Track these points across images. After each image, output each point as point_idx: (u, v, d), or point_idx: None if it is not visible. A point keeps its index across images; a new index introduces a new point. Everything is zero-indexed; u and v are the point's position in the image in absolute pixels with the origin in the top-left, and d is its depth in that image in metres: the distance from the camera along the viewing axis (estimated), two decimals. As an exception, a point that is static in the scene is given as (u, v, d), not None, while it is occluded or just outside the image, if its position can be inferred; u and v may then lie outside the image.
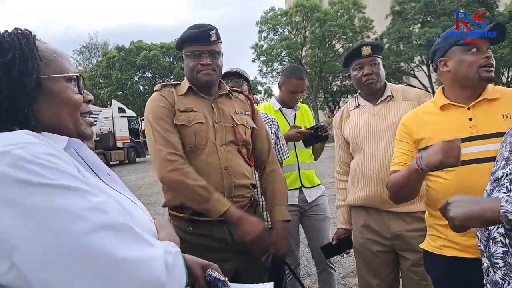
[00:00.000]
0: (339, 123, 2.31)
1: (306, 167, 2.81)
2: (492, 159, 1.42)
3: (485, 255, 1.19)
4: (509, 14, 23.43)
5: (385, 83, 2.17)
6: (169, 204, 1.84)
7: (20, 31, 0.81)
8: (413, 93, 2.12)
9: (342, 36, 30.64)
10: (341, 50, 31.53)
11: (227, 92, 1.94)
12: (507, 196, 1.07)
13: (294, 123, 2.82)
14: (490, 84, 1.59)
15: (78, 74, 0.86)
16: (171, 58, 34.48)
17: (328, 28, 29.60)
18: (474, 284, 1.49)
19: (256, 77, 32.92)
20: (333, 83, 34.60)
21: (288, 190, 2.66)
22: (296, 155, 2.76)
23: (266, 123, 2.37)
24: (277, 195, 1.93)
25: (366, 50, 2.10)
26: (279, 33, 32.77)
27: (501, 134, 1.38)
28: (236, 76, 2.47)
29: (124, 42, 38.95)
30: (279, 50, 31.45)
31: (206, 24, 1.83)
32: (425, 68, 29.12)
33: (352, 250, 2.35)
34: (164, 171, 1.70)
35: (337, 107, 33.49)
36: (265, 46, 32.24)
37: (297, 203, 2.73)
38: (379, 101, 2.13)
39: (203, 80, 1.81)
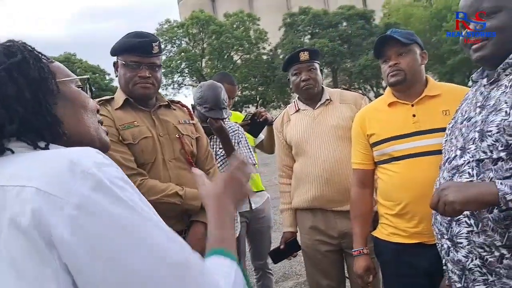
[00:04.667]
0: (280, 127, 2.34)
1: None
2: (433, 152, 1.55)
3: (446, 237, 1.28)
4: (384, 27, 26.37)
5: (322, 88, 2.25)
6: None
7: (17, 40, 0.75)
8: (350, 96, 2.23)
9: (240, 48, 31.42)
10: (239, 61, 32.27)
11: (167, 103, 1.84)
12: (469, 178, 1.18)
13: None
14: (432, 80, 1.74)
15: (88, 77, 0.79)
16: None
17: (225, 40, 30.12)
18: (417, 268, 1.63)
19: (156, 90, 31.99)
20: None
21: None
22: None
23: (231, 132, 2.33)
24: None
25: (303, 56, 2.16)
26: (176, 45, 32.44)
27: (441, 130, 1.50)
28: None
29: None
30: (179, 61, 31.12)
31: (149, 34, 1.73)
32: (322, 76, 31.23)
33: (299, 252, 2.38)
34: None
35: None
36: (163, 58, 31.56)
37: (248, 209, 2.70)
38: (318, 104, 2.20)
39: (139, 93, 1.69)
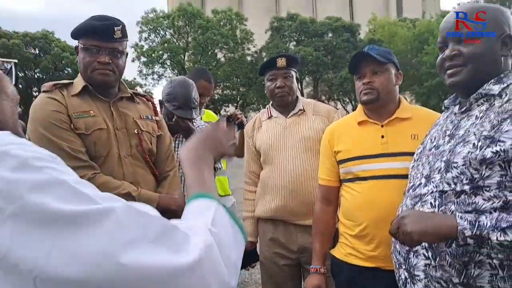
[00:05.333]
0: (251, 132, 2.27)
1: (219, 173, 2.71)
2: (399, 176, 1.52)
3: (404, 267, 1.24)
4: (368, 42, 26.80)
5: (297, 97, 2.20)
6: None
7: None
8: (323, 109, 2.19)
9: (224, 46, 31.24)
10: (223, 59, 32.08)
11: (130, 95, 1.74)
12: (431, 210, 1.15)
13: None
14: (405, 102, 1.71)
15: (15, 61, 0.66)
16: (37, 49, 30.71)
17: (211, 36, 29.89)
18: None
19: (135, 78, 31.42)
20: (215, 91, 34.94)
21: None
22: None
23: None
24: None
25: (280, 62, 2.10)
26: (160, 35, 31.98)
27: (408, 154, 1.47)
28: None
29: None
30: (161, 52, 30.66)
31: (112, 18, 1.62)
32: (298, 85, 31.52)
33: (257, 263, 2.32)
34: None
35: (218, 115, 33.89)
36: (146, 47, 31.12)
37: None
38: (291, 114, 2.15)
39: (98, 80, 1.59)
